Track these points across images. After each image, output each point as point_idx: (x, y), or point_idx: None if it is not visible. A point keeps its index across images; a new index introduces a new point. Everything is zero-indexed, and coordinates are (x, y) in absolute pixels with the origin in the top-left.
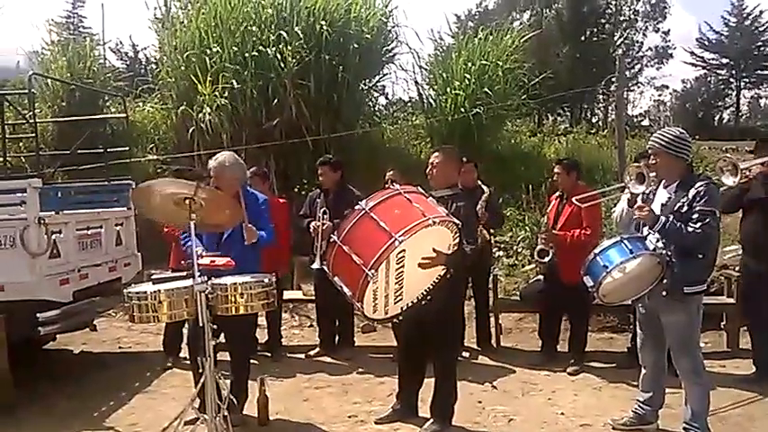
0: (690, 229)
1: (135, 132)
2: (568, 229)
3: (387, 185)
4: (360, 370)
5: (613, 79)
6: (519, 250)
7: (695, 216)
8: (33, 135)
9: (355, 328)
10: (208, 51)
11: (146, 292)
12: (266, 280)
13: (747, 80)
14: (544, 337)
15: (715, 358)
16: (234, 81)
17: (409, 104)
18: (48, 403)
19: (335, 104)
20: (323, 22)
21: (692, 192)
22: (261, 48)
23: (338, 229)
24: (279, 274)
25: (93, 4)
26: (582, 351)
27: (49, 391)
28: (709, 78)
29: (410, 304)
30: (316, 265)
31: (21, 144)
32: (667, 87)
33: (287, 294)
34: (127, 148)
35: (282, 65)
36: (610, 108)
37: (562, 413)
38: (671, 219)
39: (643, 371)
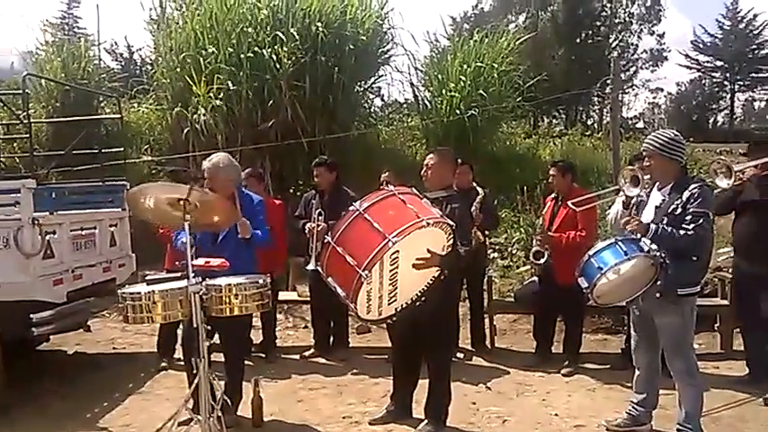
0: (683, 232)
1: (130, 133)
2: (564, 230)
3: (382, 187)
4: (354, 371)
5: (608, 81)
6: (514, 252)
7: (689, 218)
8: (27, 135)
9: (350, 329)
10: (203, 52)
11: (140, 293)
12: (261, 281)
13: (741, 83)
14: (538, 338)
15: (709, 360)
16: (229, 82)
17: (405, 106)
18: (41, 404)
19: (331, 106)
20: (318, 24)
21: (686, 194)
22: (256, 49)
23: (332, 230)
24: (274, 275)
25: (89, 4)
26: (576, 352)
27: (43, 391)
28: (703, 81)
29: (404, 305)
30: (311, 267)
31: (15, 144)
32: (662, 90)
33: (282, 295)
34: (121, 149)
35: (278, 66)
36: (605, 110)
37: (556, 414)
38: (661, 225)
39: (637, 372)
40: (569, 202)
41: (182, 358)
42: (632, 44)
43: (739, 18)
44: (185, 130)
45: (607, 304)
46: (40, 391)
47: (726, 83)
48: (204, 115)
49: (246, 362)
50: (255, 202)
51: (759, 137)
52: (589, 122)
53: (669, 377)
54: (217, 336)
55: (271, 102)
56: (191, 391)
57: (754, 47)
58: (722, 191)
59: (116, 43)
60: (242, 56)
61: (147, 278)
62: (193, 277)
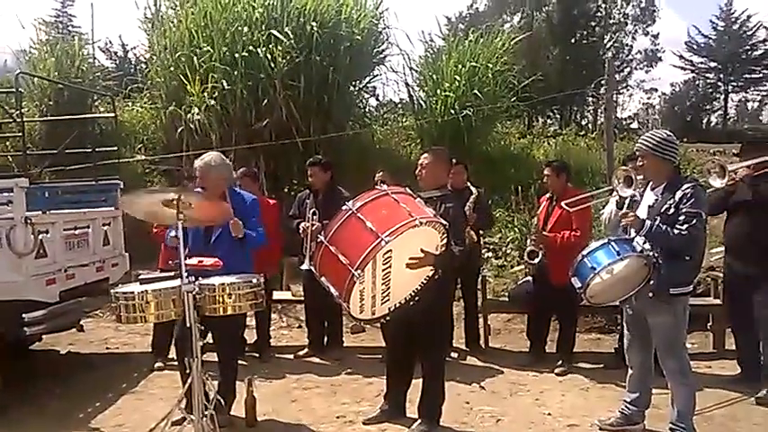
0: (676, 231)
1: (123, 132)
2: (558, 230)
3: (376, 186)
4: (348, 370)
5: (603, 82)
6: (508, 251)
7: (682, 218)
8: (20, 134)
9: (344, 328)
10: (197, 51)
11: (133, 293)
12: (254, 280)
13: (735, 84)
14: (532, 337)
15: (701, 359)
16: (224, 81)
17: (399, 106)
18: (34, 404)
19: (326, 105)
20: (313, 23)
21: (679, 194)
22: (251, 48)
23: (325, 229)
24: (267, 275)
25: (83, 3)
26: (570, 352)
27: (36, 391)
28: (697, 82)
29: (398, 305)
30: (305, 266)
31: (8, 143)
32: (656, 90)
33: (276, 295)
34: (115, 148)
35: (272, 65)
36: (599, 111)
37: (549, 413)
38: (656, 222)
39: (630, 371)
40: (563, 203)
41: (175, 358)
42: (627, 45)
43: (733, 19)
44: (179, 130)
45: (600, 304)
46: (32, 390)
47: (719, 83)
48: (198, 114)
49: (240, 361)
50: (249, 201)
51: (752, 137)
52: (583, 123)
53: (662, 376)
54: (210, 335)
55: (265, 101)
56: (184, 390)
57: (748, 48)
58: (715, 190)
59: (110, 42)
60: (236, 55)
61: (141, 277)
62: (187, 277)
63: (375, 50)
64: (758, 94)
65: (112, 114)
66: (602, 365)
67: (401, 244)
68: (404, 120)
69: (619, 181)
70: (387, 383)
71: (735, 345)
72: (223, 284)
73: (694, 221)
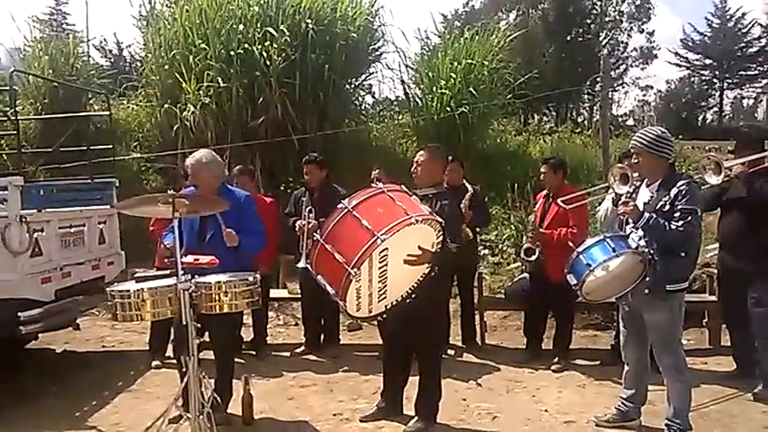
0: (672, 227)
1: (119, 130)
2: (555, 227)
3: (372, 184)
4: (345, 368)
5: (598, 79)
6: (504, 249)
7: (677, 215)
8: (15, 132)
9: (341, 326)
10: (193, 49)
11: (129, 291)
12: (251, 278)
13: (730, 81)
14: (529, 334)
15: (697, 355)
16: (219, 79)
17: (395, 103)
18: (30, 403)
19: (321, 103)
20: (309, 21)
21: (674, 191)
22: (246, 46)
23: (321, 227)
24: (261, 273)
25: (77, 0)
26: (566, 348)
27: (32, 390)
28: (692, 79)
29: (394, 303)
30: (301, 264)
31: (2, 141)
32: (652, 87)
33: (273, 293)
34: (110, 146)
35: (268, 63)
36: (595, 108)
37: (546, 410)
38: (654, 215)
39: (626, 368)
40: (559, 200)
41: (173, 356)
42: (622, 42)
43: (728, 16)
44: (175, 127)
45: (596, 301)
46: (28, 389)
47: (715, 80)
48: (194, 112)
49: (237, 359)
50: (242, 199)
51: (747, 134)
52: (579, 120)
53: (658, 373)
54: (207, 333)
55: (261, 99)
56: (181, 388)
57: (743, 45)
58: (710, 187)
59: (105, 40)
60: (232, 53)
61: (137, 276)
62: (183, 274)
63: (371, 48)
64: (753, 91)
65: (107, 112)
66: (598, 362)
67: (397, 242)
68: (400, 117)
69: (615, 178)
70: (383, 381)
71: (730, 341)
72: (219, 282)
73: (689, 218)
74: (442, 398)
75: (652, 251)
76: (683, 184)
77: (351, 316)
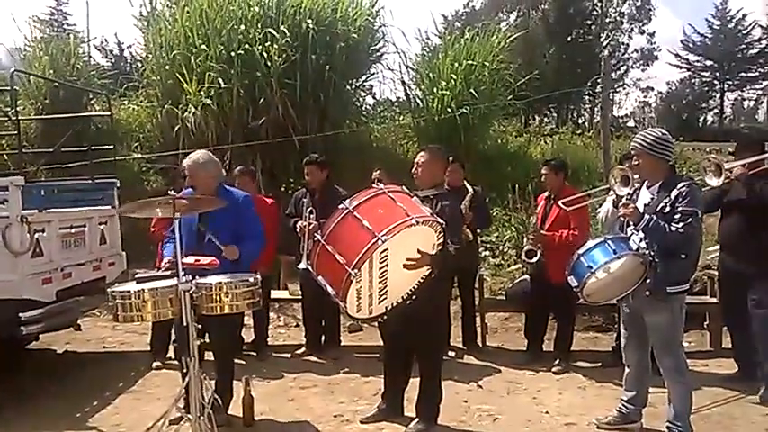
0: (672, 229)
1: (120, 131)
2: (556, 229)
3: (373, 185)
4: (346, 369)
5: (599, 80)
6: (505, 250)
7: (677, 216)
8: (16, 133)
9: (341, 327)
10: (193, 50)
11: (130, 292)
12: (251, 279)
13: (731, 82)
14: (529, 336)
15: (698, 357)
16: (220, 80)
17: (396, 104)
18: (30, 403)
19: (322, 104)
20: (309, 21)
21: (675, 192)
22: (247, 46)
23: (322, 228)
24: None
25: (78, 1)
26: (567, 350)
27: (32, 390)
28: (693, 80)
29: (395, 304)
30: (302, 265)
31: (3, 142)
32: (652, 89)
33: (273, 294)
34: (111, 147)
35: (269, 64)
36: (595, 109)
37: (547, 412)
38: (655, 217)
39: (627, 370)
40: (560, 202)
41: (174, 357)
42: (623, 43)
43: (728, 18)
44: (176, 128)
45: (597, 302)
46: (29, 390)
47: (715, 82)
48: (195, 113)
49: (237, 360)
50: (241, 200)
51: (748, 136)
52: (580, 121)
53: (659, 375)
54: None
55: (261, 99)
56: (181, 389)
57: (744, 46)
58: (710, 189)
59: (106, 40)
60: (232, 53)
61: (138, 276)
62: (183, 275)
63: (371, 48)
64: (754, 93)
65: (108, 113)
66: (599, 364)
67: (398, 243)
68: (400, 118)
69: (616, 180)
70: (384, 382)
71: (731, 343)
72: (220, 283)
73: (690, 220)
74: (442, 399)
75: (653, 253)
76: (684, 186)
77: (351, 317)
